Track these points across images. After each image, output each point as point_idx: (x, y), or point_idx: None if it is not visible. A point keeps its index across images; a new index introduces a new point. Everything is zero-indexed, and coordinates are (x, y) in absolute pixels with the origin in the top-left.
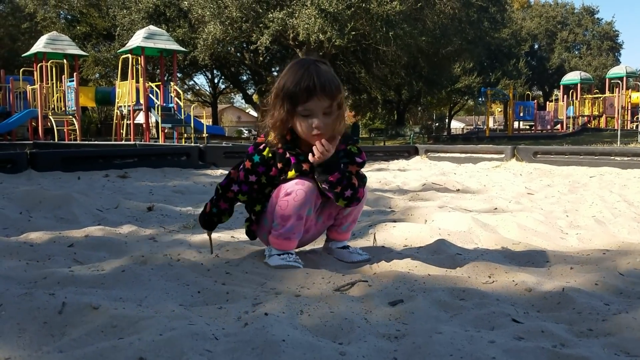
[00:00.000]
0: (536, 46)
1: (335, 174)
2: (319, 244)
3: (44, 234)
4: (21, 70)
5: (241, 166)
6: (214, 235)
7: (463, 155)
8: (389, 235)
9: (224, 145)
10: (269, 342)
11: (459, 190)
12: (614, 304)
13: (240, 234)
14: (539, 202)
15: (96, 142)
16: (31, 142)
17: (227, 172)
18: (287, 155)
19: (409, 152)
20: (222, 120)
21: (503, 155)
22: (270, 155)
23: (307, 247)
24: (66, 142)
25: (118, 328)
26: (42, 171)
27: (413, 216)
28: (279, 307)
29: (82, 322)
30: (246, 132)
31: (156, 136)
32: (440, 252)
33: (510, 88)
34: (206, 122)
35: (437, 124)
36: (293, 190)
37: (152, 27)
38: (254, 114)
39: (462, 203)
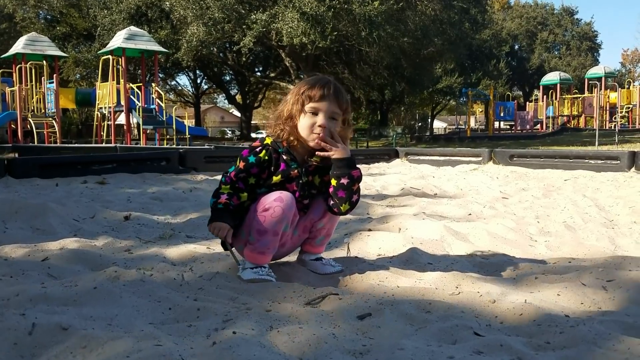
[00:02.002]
0: (516, 47)
1: (357, 169)
2: (292, 256)
3: (19, 247)
4: (0, 71)
5: (231, 170)
6: (191, 247)
7: (442, 158)
8: (364, 244)
9: (205, 148)
10: None
11: (436, 194)
12: (573, 316)
13: (216, 246)
14: (512, 206)
15: (76, 145)
16: (10, 145)
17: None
18: (280, 160)
19: (390, 155)
20: (205, 120)
21: (481, 158)
22: (266, 158)
23: (281, 260)
24: (46, 144)
25: (87, 349)
26: (20, 178)
27: (388, 224)
28: (249, 323)
29: (51, 342)
30: (229, 132)
31: (137, 137)
32: (412, 262)
33: (491, 88)
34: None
35: (419, 124)
36: (271, 207)
37: (133, 28)
38: (237, 114)
39: (438, 209)
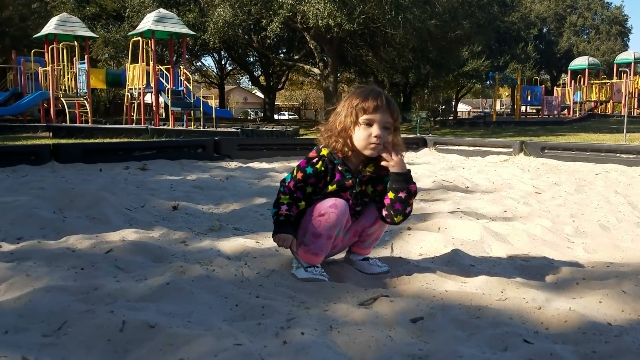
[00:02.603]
0: (545, 30)
1: (414, 184)
2: (339, 255)
3: (83, 237)
4: (32, 51)
5: (289, 179)
6: (241, 240)
7: (471, 148)
8: (406, 244)
9: (238, 137)
10: None
11: (468, 187)
12: (615, 324)
13: (264, 239)
14: (546, 203)
15: (108, 126)
16: (44, 124)
17: (240, 164)
18: (335, 170)
19: (418, 144)
20: (229, 101)
21: (511, 150)
22: (322, 168)
23: (330, 259)
24: (78, 124)
25: (174, 346)
26: (65, 163)
27: (427, 223)
28: (311, 323)
29: (141, 339)
30: (252, 113)
31: (164, 117)
32: (455, 263)
33: (518, 72)
34: (214, 104)
35: (443, 107)
36: (327, 213)
37: (162, 10)
38: (260, 95)
39: (472, 204)
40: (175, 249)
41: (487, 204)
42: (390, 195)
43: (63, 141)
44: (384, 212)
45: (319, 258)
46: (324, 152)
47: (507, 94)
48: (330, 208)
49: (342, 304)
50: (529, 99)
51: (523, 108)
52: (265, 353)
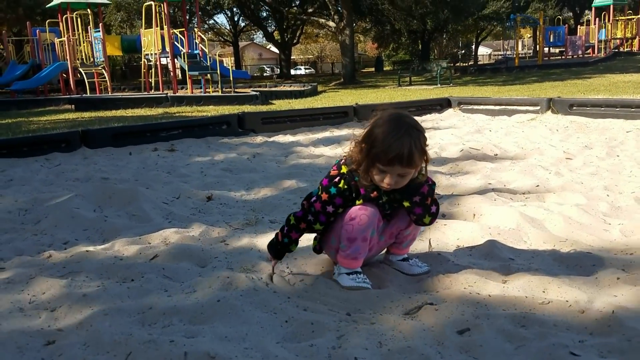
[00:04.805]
0: None
1: (424, 185)
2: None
3: (127, 242)
4: (47, 22)
5: (314, 198)
6: None
7: (497, 107)
8: (442, 235)
9: (261, 111)
10: None
11: (496, 155)
12: None
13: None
14: (578, 172)
15: (129, 95)
16: (66, 97)
17: (265, 138)
18: (359, 185)
19: (442, 105)
20: (244, 58)
21: (538, 107)
22: (345, 187)
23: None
24: (98, 94)
25: None
26: (95, 148)
27: (460, 208)
28: (361, 341)
29: None
30: (268, 69)
31: (182, 80)
32: (493, 257)
33: (540, 13)
34: (230, 63)
35: (462, 52)
36: (357, 215)
37: None
38: (275, 50)
39: (503, 177)
40: (216, 250)
41: (519, 175)
42: (405, 203)
43: (92, 127)
44: (412, 217)
45: (358, 262)
46: (344, 169)
47: (529, 35)
48: (360, 211)
49: (388, 315)
50: (551, 40)
51: (546, 49)
52: None
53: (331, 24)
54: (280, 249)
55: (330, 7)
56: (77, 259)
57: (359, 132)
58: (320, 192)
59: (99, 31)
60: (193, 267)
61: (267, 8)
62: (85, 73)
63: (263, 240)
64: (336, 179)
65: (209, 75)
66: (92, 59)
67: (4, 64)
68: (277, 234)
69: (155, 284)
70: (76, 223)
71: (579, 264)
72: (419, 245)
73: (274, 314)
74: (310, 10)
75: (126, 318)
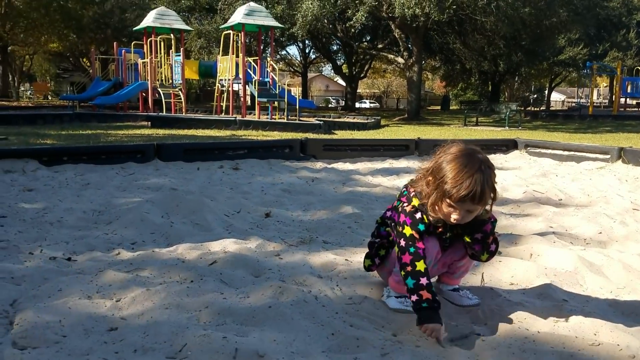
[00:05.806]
0: None
1: (488, 223)
2: None
3: (190, 247)
4: (132, 43)
5: (404, 241)
6: (330, 256)
7: (565, 153)
8: (496, 271)
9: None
10: None
11: (561, 200)
12: None
13: (352, 255)
14: None
15: (202, 117)
16: (143, 113)
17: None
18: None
19: (508, 146)
20: (311, 88)
21: (609, 156)
22: (427, 221)
23: None
24: (173, 114)
25: None
26: (167, 161)
27: (518, 247)
28: None
29: None
30: (333, 101)
31: (250, 106)
32: (547, 297)
33: (618, 62)
34: (297, 92)
35: (535, 96)
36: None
37: (252, 4)
38: (342, 82)
39: (565, 221)
40: (271, 262)
41: (582, 221)
42: (466, 238)
43: (165, 141)
44: (470, 252)
45: None
46: (415, 202)
47: (605, 84)
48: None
49: (433, 340)
50: (629, 90)
51: (622, 100)
52: None
53: (400, 60)
54: (428, 304)
55: (401, 44)
56: (143, 258)
57: (425, 165)
58: (407, 232)
59: (180, 55)
60: (248, 276)
61: (338, 42)
62: (163, 93)
63: (315, 259)
64: (416, 215)
65: (276, 102)
66: (170, 81)
67: (89, 80)
68: (416, 294)
69: (213, 287)
70: (145, 226)
71: (635, 312)
72: (471, 279)
73: (321, 326)
74: (380, 45)
75: (184, 314)
